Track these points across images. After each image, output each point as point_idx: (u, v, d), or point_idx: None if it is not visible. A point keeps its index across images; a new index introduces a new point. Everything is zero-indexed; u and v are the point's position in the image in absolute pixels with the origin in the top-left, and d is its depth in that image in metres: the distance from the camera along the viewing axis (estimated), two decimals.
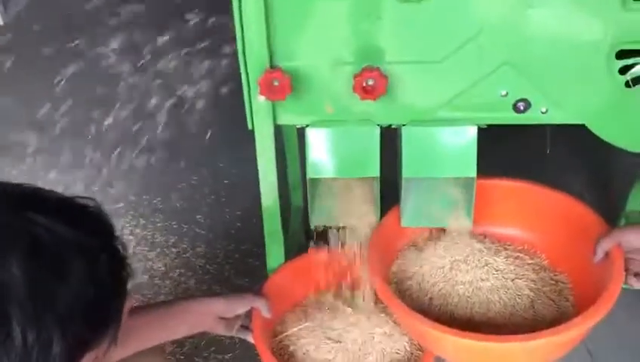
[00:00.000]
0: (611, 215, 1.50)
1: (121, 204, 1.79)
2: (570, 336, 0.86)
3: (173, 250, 1.64)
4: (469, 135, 0.96)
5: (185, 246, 1.65)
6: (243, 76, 0.91)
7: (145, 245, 1.65)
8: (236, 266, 1.59)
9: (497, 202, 1.09)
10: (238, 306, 1.01)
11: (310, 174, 0.99)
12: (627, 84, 0.91)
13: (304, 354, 1.02)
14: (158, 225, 1.72)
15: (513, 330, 0.95)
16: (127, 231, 1.70)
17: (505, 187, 1.10)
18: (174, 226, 1.71)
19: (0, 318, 0.52)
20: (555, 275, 1.06)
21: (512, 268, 1.03)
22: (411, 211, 1.04)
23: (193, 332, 0.99)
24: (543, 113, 0.95)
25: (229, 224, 1.71)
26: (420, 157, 0.97)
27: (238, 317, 1.04)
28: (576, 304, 1.01)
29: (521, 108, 0.94)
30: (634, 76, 0.90)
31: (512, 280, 1.01)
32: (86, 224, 0.60)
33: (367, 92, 0.88)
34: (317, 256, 1.13)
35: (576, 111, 0.94)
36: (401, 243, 1.09)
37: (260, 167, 1.00)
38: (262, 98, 0.90)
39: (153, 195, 1.82)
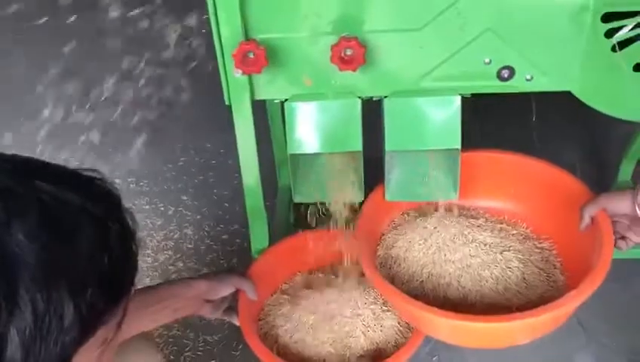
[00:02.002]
0: (602, 186, 1.49)
1: None
2: (568, 310, 0.84)
3: (161, 232, 1.62)
4: (453, 105, 0.93)
5: (172, 228, 1.63)
6: (217, 49, 0.88)
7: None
8: (225, 247, 1.57)
9: (474, 174, 1.06)
10: (223, 288, 0.99)
11: (291, 150, 0.97)
12: (613, 48, 0.88)
13: (290, 336, 1.00)
14: (145, 207, 1.69)
15: (507, 305, 0.94)
16: None
17: (480, 158, 1.08)
18: (161, 208, 1.69)
19: (8, 288, 0.49)
20: (540, 243, 1.04)
21: (498, 240, 1.01)
22: (396, 185, 1.01)
23: (179, 316, 0.97)
24: (527, 80, 0.92)
25: (217, 205, 1.69)
26: (403, 129, 0.95)
27: (224, 298, 1.02)
28: (564, 270, 0.99)
29: (505, 75, 0.92)
30: (620, 39, 0.87)
31: (501, 253, 0.99)
32: (94, 193, 0.58)
33: (345, 62, 0.86)
34: (303, 236, 1.12)
35: (561, 78, 0.92)
36: (386, 222, 1.07)
37: (239, 144, 0.98)
38: (237, 72, 0.87)
39: (139, 177, 1.79)
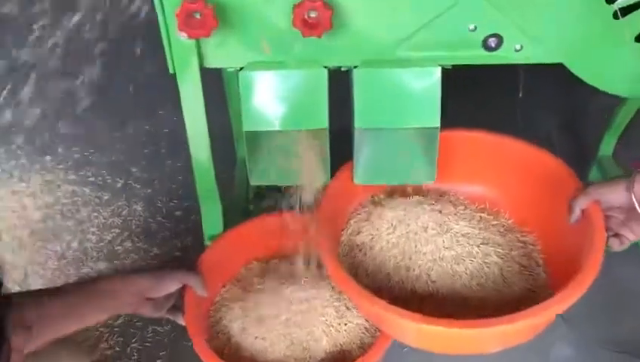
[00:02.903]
0: (582, 162, 1.40)
1: (48, 157, 1.61)
2: (547, 317, 0.75)
3: (108, 208, 1.48)
4: (432, 78, 0.81)
5: (120, 204, 1.49)
6: (157, 8, 0.75)
7: (74, 203, 1.49)
8: (178, 225, 1.44)
9: (452, 156, 0.95)
10: (167, 285, 0.87)
11: (247, 127, 0.84)
12: (615, 15, 0.77)
13: (243, 336, 0.89)
14: (90, 179, 1.55)
15: (481, 304, 0.84)
16: (55, 186, 1.53)
17: (459, 138, 0.97)
18: (108, 181, 1.54)
19: None
20: (523, 236, 0.94)
21: (476, 231, 0.91)
22: (365, 166, 0.90)
23: (113, 315, 0.85)
24: (517, 51, 0.81)
25: (170, 178, 1.55)
26: (375, 104, 0.83)
27: (169, 296, 0.90)
28: (547, 268, 0.90)
29: (492, 45, 0.81)
30: (623, 5, 0.77)
31: (478, 245, 0.89)
32: None
33: (309, 27, 0.73)
34: (260, 221, 1.00)
35: (554, 49, 0.81)
36: (353, 206, 0.96)
37: (186, 118, 0.85)
38: (182, 35, 0.74)
39: (84, 146, 1.64)
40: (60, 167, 1.58)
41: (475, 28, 0.79)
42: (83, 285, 0.85)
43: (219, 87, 1.22)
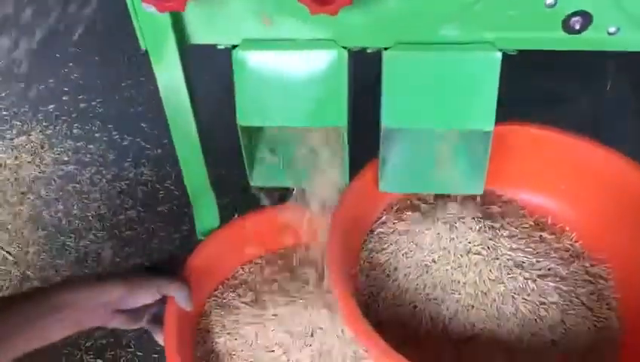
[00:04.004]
0: None
1: (51, 106, 1.46)
2: None
3: (112, 169, 1.33)
4: (489, 67, 0.60)
5: (127, 165, 1.34)
6: None
7: (77, 162, 1.34)
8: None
9: (509, 154, 0.76)
10: (140, 297, 0.71)
11: (242, 120, 0.66)
12: None
13: (232, 355, 0.74)
14: (96, 136, 1.40)
15: (533, 359, 0.66)
16: (56, 140, 1.38)
17: (521, 134, 0.76)
18: (115, 138, 1.39)
19: None
20: (592, 266, 0.75)
21: (534, 260, 0.71)
22: (394, 172, 0.71)
23: (79, 329, 0.70)
24: (610, 35, 0.59)
25: None
26: (410, 98, 0.63)
27: (149, 306, 0.75)
28: (620, 313, 0.71)
29: (576, 26, 0.58)
30: None
31: (535, 280, 0.70)
32: None
33: (320, 2, 0.53)
34: (260, 216, 0.83)
35: None
36: (376, 213, 0.77)
37: (165, 104, 0.67)
38: (147, 7, 0.55)
39: (91, 95, 1.48)
40: (63, 118, 1.43)
41: (555, 3, 0.57)
42: (38, 291, 0.71)
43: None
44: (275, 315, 0.76)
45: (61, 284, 0.72)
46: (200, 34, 0.62)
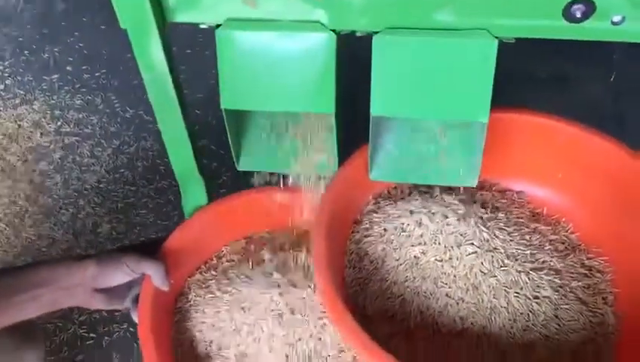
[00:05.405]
0: None
1: (55, 76, 1.44)
2: None
3: (114, 142, 1.31)
4: (485, 55, 0.57)
5: (128, 138, 1.32)
6: None
7: (78, 133, 1.33)
8: None
9: (505, 142, 0.73)
10: (117, 275, 0.70)
11: (225, 103, 0.63)
12: None
13: (205, 342, 0.73)
14: (99, 108, 1.38)
15: (523, 356, 0.64)
16: (59, 111, 1.37)
17: (519, 122, 0.73)
18: (117, 109, 1.37)
19: None
20: (589, 259, 0.72)
21: (528, 252, 0.69)
22: (384, 161, 0.68)
23: (56, 308, 0.70)
24: (614, 24, 0.55)
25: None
26: (401, 85, 0.60)
27: (130, 284, 0.74)
28: (620, 309, 0.68)
29: (578, 14, 0.55)
30: None
31: (528, 272, 0.67)
32: None
33: None
34: (244, 196, 0.81)
35: None
36: (365, 203, 0.75)
37: (146, 84, 0.65)
38: None
39: (94, 65, 1.46)
40: (66, 88, 1.42)
41: None
42: (15, 270, 0.70)
43: None
44: (255, 297, 0.74)
45: (39, 263, 0.71)
46: (180, 12, 0.59)
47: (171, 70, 0.63)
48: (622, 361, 0.61)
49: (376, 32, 0.58)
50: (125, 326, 1.05)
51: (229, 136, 0.68)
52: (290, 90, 0.61)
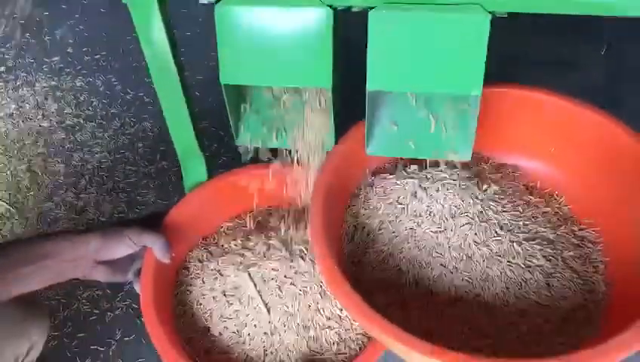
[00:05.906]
0: None
1: (56, 58, 1.45)
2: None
3: (114, 123, 1.33)
4: (478, 29, 0.59)
5: (129, 119, 1.33)
6: None
7: (78, 115, 1.34)
8: None
9: (498, 116, 0.74)
10: (115, 247, 0.72)
11: (224, 78, 0.65)
12: None
13: (206, 313, 0.75)
14: (100, 89, 1.39)
15: (516, 322, 0.66)
16: (60, 93, 1.38)
17: (512, 97, 0.74)
18: (118, 91, 1.38)
19: None
20: (581, 230, 0.74)
21: (520, 223, 0.71)
22: (381, 135, 0.70)
23: (60, 280, 0.72)
24: None
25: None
26: (396, 60, 0.61)
27: (131, 257, 0.76)
28: (610, 277, 0.70)
29: None
30: None
31: (520, 242, 0.69)
32: None
33: None
34: (245, 173, 0.83)
35: None
36: (361, 176, 0.76)
37: (148, 61, 0.66)
38: None
39: (95, 48, 1.47)
40: (68, 70, 1.43)
41: None
42: (19, 242, 0.72)
43: None
44: (256, 270, 0.76)
45: (45, 236, 0.73)
46: None
47: (172, 45, 0.65)
48: (610, 325, 0.63)
49: (372, 8, 0.59)
50: (127, 303, 1.06)
51: (228, 111, 0.69)
52: (287, 66, 0.63)
